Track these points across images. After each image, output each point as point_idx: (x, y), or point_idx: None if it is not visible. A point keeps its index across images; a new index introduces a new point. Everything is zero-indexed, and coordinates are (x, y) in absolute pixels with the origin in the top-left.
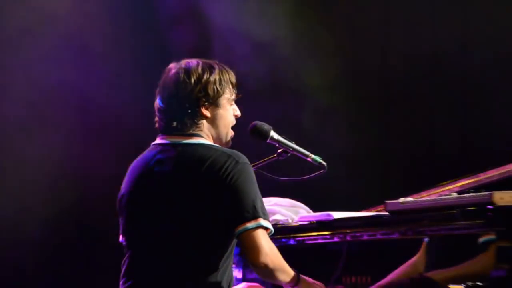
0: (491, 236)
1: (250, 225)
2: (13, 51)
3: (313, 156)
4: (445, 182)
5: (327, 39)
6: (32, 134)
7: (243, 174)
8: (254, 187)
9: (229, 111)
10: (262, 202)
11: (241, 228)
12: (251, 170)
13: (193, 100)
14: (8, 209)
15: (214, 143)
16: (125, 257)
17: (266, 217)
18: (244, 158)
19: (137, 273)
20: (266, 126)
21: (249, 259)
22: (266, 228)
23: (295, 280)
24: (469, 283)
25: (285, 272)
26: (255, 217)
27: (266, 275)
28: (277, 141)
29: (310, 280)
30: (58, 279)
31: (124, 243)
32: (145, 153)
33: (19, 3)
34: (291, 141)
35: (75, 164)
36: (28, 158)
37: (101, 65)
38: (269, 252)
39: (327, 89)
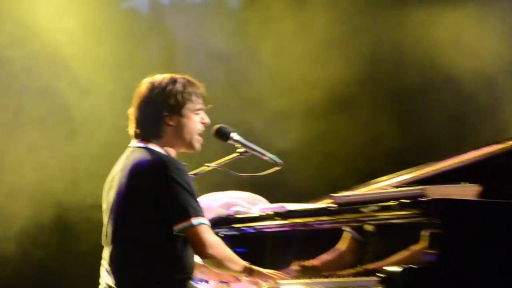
0: (425, 224)
1: (187, 223)
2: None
3: (269, 154)
4: (384, 177)
5: (277, 52)
6: (19, 135)
7: (175, 179)
8: (185, 190)
9: (193, 120)
10: (195, 202)
11: (182, 225)
12: (183, 175)
13: (156, 111)
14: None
15: (179, 148)
16: None
17: (200, 214)
18: (177, 163)
19: (107, 257)
20: (228, 128)
21: (197, 253)
22: (204, 224)
23: (248, 270)
24: (405, 266)
25: (234, 262)
26: (189, 215)
27: (216, 265)
28: (238, 142)
29: (264, 270)
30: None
31: None
32: (126, 151)
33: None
34: (251, 141)
35: None
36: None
37: (79, 74)
38: (215, 245)
39: (278, 96)
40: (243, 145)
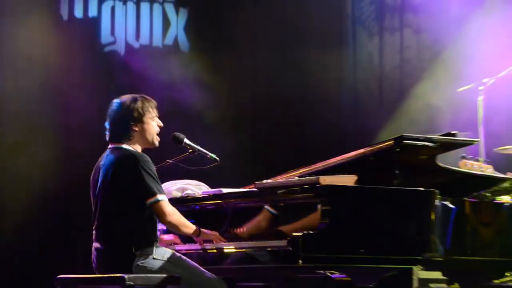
0: (318, 203)
1: (153, 199)
2: None
3: (210, 154)
4: (291, 170)
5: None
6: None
7: (141, 165)
8: (151, 176)
9: (151, 125)
10: (158, 184)
11: (150, 201)
12: (149, 165)
13: (124, 121)
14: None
15: (144, 145)
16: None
17: (162, 192)
18: (144, 157)
19: (95, 225)
20: (181, 135)
21: (161, 220)
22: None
23: (197, 232)
24: (306, 232)
25: (187, 226)
26: (154, 193)
27: (174, 229)
28: (189, 145)
29: (208, 231)
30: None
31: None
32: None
33: None
34: (197, 144)
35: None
36: None
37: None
38: (173, 214)
39: (212, 110)
40: (192, 147)
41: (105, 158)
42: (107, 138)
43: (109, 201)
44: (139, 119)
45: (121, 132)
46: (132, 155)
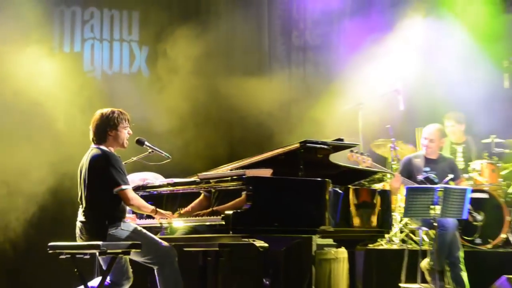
0: (244, 187)
1: (118, 188)
2: None
3: (164, 153)
4: (224, 165)
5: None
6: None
7: (111, 163)
8: (118, 170)
9: (123, 132)
10: (124, 176)
11: (116, 189)
12: (118, 162)
13: (104, 128)
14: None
15: (116, 147)
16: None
17: (127, 183)
18: (114, 156)
19: (81, 209)
20: (143, 139)
21: (126, 204)
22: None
23: (154, 211)
24: (235, 211)
25: (146, 207)
26: (119, 184)
27: (136, 210)
28: (148, 146)
29: (163, 211)
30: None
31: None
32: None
33: None
34: (154, 145)
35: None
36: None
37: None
38: (135, 198)
39: (164, 120)
40: (151, 147)
41: (87, 155)
42: (91, 139)
43: (88, 188)
44: (114, 127)
45: (100, 136)
46: (105, 154)
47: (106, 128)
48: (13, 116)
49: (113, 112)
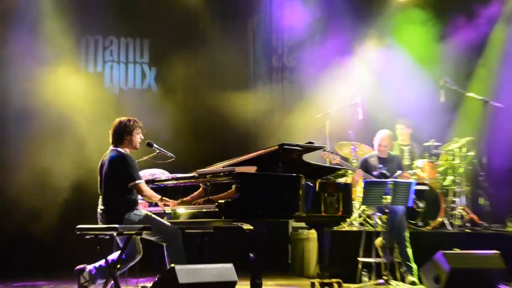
0: (234, 181)
1: (133, 182)
2: None
3: (169, 153)
4: (219, 162)
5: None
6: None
7: (127, 162)
8: (133, 168)
9: (136, 137)
10: (137, 173)
11: (132, 183)
12: (132, 161)
13: (121, 133)
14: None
15: (130, 149)
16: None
17: (140, 178)
18: (129, 156)
19: (102, 199)
20: (152, 142)
21: (140, 195)
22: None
23: (161, 199)
24: (226, 200)
25: (155, 196)
26: (135, 179)
27: (147, 199)
28: (156, 147)
29: (168, 200)
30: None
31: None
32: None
33: None
34: (161, 147)
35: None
36: None
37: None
38: (147, 190)
39: (169, 127)
40: (158, 148)
41: (107, 155)
42: (110, 141)
43: (108, 182)
44: (130, 133)
45: (118, 139)
46: (122, 155)
47: (123, 133)
48: (45, 124)
49: (129, 120)
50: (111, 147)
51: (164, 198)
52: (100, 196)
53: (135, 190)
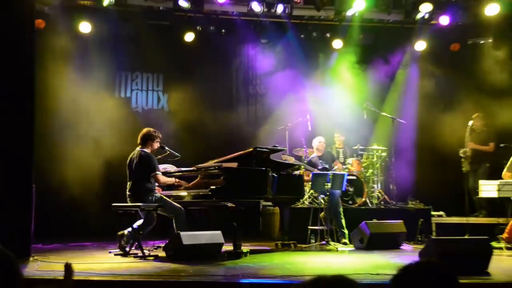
0: (221, 173)
1: (154, 173)
2: None
3: (176, 153)
4: (211, 160)
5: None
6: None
7: (151, 159)
8: (154, 162)
9: (155, 144)
10: (157, 166)
11: (153, 174)
12: (153, 157)
13: (146, 138)
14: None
15: (151, 150)
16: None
17: (159, 170)
18: (152, 155)
19: (129, 184)
20: (164, 145)
21: (158, 183)
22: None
23: (176, 181)
24: (216, 186)
25: (170, 180)
26: (155, 170)
27: (164, 184)
28: (167, 149)
29: (181, 181)
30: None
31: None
32: (136, 149)
33: None
34: (170, 149)
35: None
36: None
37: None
38: (162, 178)
39: (176, 135)
40: (168, 150)
41: (136, 153)
42: (138, 143)
43: (135, 172)
44: (152, 140)
45: (144, 143)
46: (147, 154)
47: (147, 139)
48: (88, 139)
49: (154, 131)
50: (139, 148)
51: (177, 180)
52: (128, 182)
53: (154, 179)
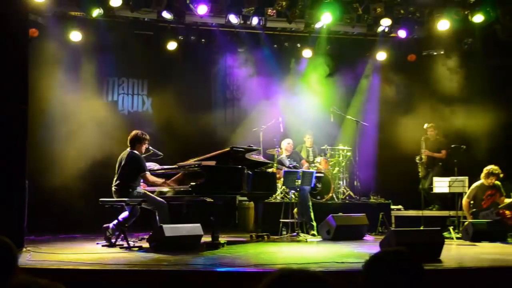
0: (201, 172)
1: (143, 173)
2: None
3: (159, 152)
4: (191, 158)
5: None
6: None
7: (140, 159)
8: (142, 162)
9: (143, 146)
10: (145, 166)
11: (142, 174)
12: (142, 158)
13: (135, 140)
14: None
15: (140, 152)
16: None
17: (147, 170)
18: (140, 155)
19: (116, 180)
20: (149, 147)
21: (145, 182)
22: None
23: (164, 182)
24: (196, 183)
25: (158, 181)
26: (145, 171)
27: (152, 185)
28: (151, 149)
29: (168, 182)
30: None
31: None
32: (126, 150)
33: None
34: (154, 148)
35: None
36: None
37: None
38: (151, 178)
39: (158, 135)
40: (152, 149)
41: (126, 153)
42: (128, 144)
43: (123, 170)
44: (140, 142)
45: (133, 144)
46: (136, 155)
47: (135, 142)
48: (77, 139)
49: (142, 133)
50: (129, 149)
51: (165, 181)
52: (115, 178)
53: (141, 178)
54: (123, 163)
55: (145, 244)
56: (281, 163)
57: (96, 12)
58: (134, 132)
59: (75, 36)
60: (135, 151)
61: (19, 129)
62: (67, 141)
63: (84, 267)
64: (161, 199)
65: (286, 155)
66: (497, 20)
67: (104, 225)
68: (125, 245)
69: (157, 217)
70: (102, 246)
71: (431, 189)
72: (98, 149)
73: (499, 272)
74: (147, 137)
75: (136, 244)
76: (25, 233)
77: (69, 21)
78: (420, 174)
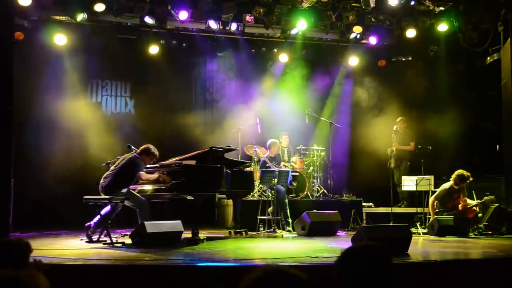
0: (181, 171)
1: (138, 173)
2: None
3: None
4: (172, 158)
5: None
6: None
7: (138, 165)
8: (141, 167)
9: (148, 160)
10: (141, 167)
11: (136, 173)
12: (139, 160)
13: (143, 152)
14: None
15: (144, 164)
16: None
17: (142, 169)
18: (140, 161)
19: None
20: (130, 145)
21: (140, 179)
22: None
23: (157, 176)
24: (176, 181)
25: (152, 176)
26: (141, 170)
27: (147, 183)
28: (133, 148)
29: (163, 175)
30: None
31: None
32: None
33: None
34: (136, 148)
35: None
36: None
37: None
38: (144, 176)
39: (143, 135)
40: (134, 149)
41: (131, 155)
42: (138, 150)
43: (118, 168)
44: (147, 155)
45: (140, 154)
46: (139, 162)
47: (145, 153)
48: (62, 138)
49: (154, 150)
50: (135, 154)
51: (160, 175)
52: (108, 173)
53: (128, 181)
54: (122, 162)
55: (128, 240)
56: (265, 164)
57: (80, 17)
58: (148, 145)
59: (60, 39)
60: (139, 159)
61: (4, 129)
62: (52, 141)
63: (68, 262)
64: (142, 197)
65: (270, 157)
66: (459, 29)
67: (86, 224)
68: (108, 241)
69: (139, 216)
70: (86, 242)
71: (400, 185)
72: (82, 148)
73: (462, 264)
74: (156, 154)
75: (119, 240)
76: (10, 229)
77: (54, 25)
78: (391, 165)
